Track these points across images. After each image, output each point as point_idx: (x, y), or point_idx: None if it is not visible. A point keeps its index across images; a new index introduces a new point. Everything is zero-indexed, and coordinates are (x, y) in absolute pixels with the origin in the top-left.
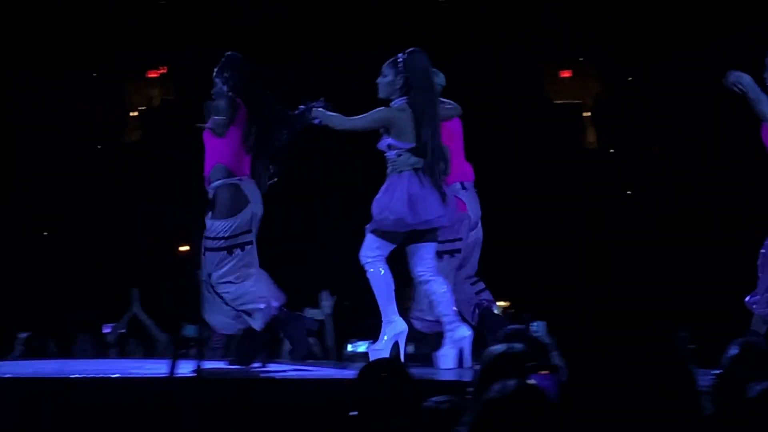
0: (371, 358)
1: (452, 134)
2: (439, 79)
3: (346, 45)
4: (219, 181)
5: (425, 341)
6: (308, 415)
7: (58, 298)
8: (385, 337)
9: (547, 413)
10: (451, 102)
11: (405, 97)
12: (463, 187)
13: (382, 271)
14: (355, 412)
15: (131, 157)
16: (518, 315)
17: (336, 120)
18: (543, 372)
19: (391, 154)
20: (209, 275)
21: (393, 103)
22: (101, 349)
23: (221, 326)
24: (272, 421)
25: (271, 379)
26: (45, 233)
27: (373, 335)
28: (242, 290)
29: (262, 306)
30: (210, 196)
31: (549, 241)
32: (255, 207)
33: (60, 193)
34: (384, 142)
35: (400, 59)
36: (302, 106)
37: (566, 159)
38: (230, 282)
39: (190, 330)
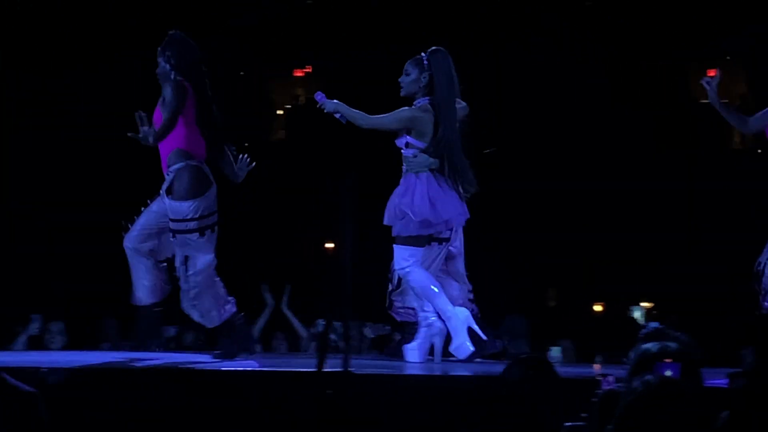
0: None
1: None
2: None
3: (347, 45)
4: (180, 164)
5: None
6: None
7: None
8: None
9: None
10: (462, 101)
11: (428, 98)
12: None
13: (421, 275)
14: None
15: (277, 155)
16: (662, 316)
17: (360, 118)
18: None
19: (407, 153)
20: (186, 258)
21: (416, 102)
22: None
23: (209, 319)
24: (422, 415)
25: (429, 376)
26: None
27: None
28: (214, 287)
29: (227, 307)
30: (168, 180)
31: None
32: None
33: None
34: (402, 140)
35: (425, 58)
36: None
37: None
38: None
39: (334, 326)
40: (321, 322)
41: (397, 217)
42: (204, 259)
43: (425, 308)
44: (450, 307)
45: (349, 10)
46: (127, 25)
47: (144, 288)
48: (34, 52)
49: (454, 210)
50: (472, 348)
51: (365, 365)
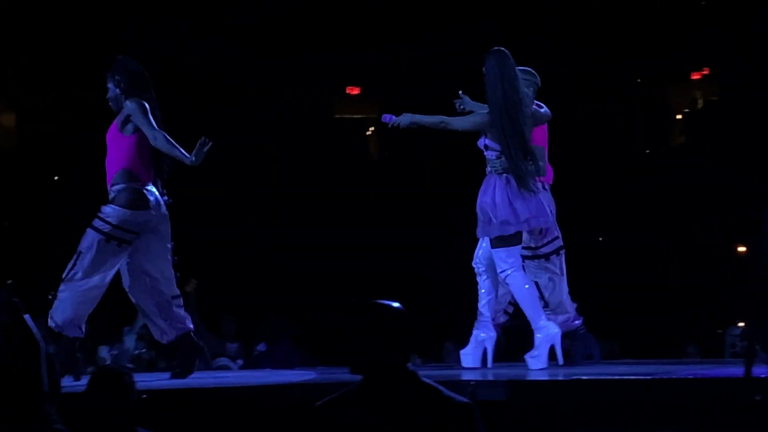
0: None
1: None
2: (536, 79)
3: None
4: (121, 185)
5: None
6: None
7: None
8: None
9: None
10: (544, 105)
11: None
12: (543, 188)
13: (522, 281)
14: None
15: (678, 161)
16: None
17: (440, 122)
18: None
19: (489, 155)
20: (79, 253)
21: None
22: None
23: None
24: None
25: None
26: None
27: None
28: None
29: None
30: (110, 197)
31: None
32: (152, 216)
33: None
34: (481, 142)
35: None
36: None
37: None
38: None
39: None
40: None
41: (484, 218)
42: (91, 265)
43: (482, 310)
44: (543, 318)
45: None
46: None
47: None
48: None
49: (534, 210)
50: (544, 364)
51: None
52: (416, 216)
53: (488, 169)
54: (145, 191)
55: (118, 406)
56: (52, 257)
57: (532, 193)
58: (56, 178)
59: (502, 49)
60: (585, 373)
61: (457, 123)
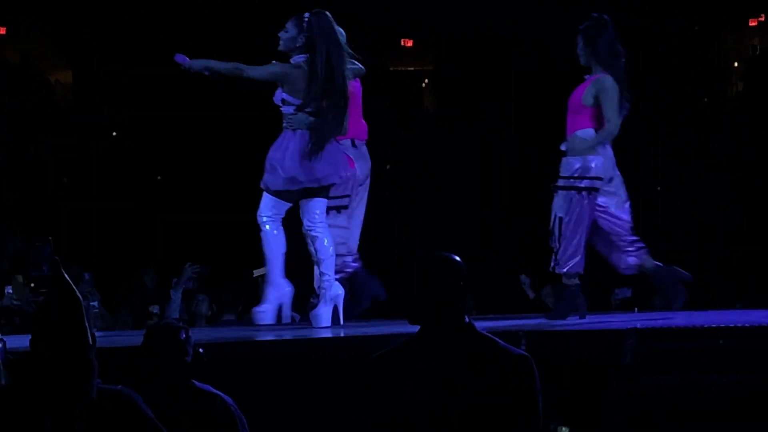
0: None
1: (353, 93)
2: (342, 38)
3: None
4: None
5: None
6: None
7: None
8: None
9: None
10: (356, 62)
11: (304, 55)
12: (354, 145)
13: (276, 232)
14: None
15: (734, 111)
16: None
17: (234, 69)
18: None
19: (287, 110)
20: None
21: (292, 59)
22: None
23: None
24: None
25: None
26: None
27: None
28: None
29: None
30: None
31: None
32: None
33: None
34: (278, 96)
35: (306, 18)
36: None
37: None
38: None
39: None
40: None
41: (269, 168)
42: None
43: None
44: (333, 276)
45: None
46: None
47: None
48: None
49: (324, 169)
50: (328, 322)
51: None
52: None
53: (285, 124)
54: None
55: (172, 361)
56: (103, 213)
57: (327, 151)
58: (114, 134)
59: (322, 10)
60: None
61: (253, 72)
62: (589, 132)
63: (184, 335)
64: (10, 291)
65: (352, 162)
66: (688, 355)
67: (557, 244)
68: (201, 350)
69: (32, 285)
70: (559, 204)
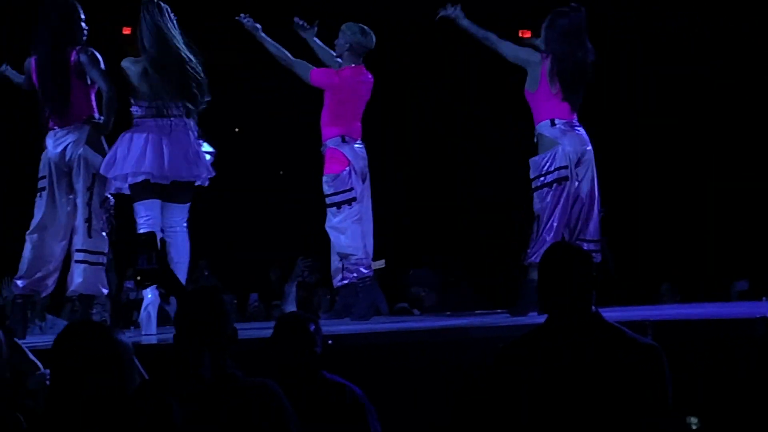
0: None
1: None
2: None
3: None
4: None
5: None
6: None
7: None
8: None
9: None
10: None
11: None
12: (344, 141)
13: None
14: None
15: None
16: None
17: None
18: None
19: (134, 110)
20: None
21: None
22: None
23: None
24: None
25: None
26: None
27: None
28: None
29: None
30: None
31: None
32: None
33: None
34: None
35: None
36: None
37: None
38: None
39: None
40: None
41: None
42: None
43: None
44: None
45: None
46: None
47: None
48: None
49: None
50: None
51: None
52: None
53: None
54: None
55: (302, 352)
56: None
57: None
58: None
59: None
60: None
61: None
62: (544, 124)
63: (313, 327)
64: (130, 285)
65: (343, 156)
66: None
67: (534, 241)
68: (330, 342)
69: (138, 278)
70: (536, 204)
